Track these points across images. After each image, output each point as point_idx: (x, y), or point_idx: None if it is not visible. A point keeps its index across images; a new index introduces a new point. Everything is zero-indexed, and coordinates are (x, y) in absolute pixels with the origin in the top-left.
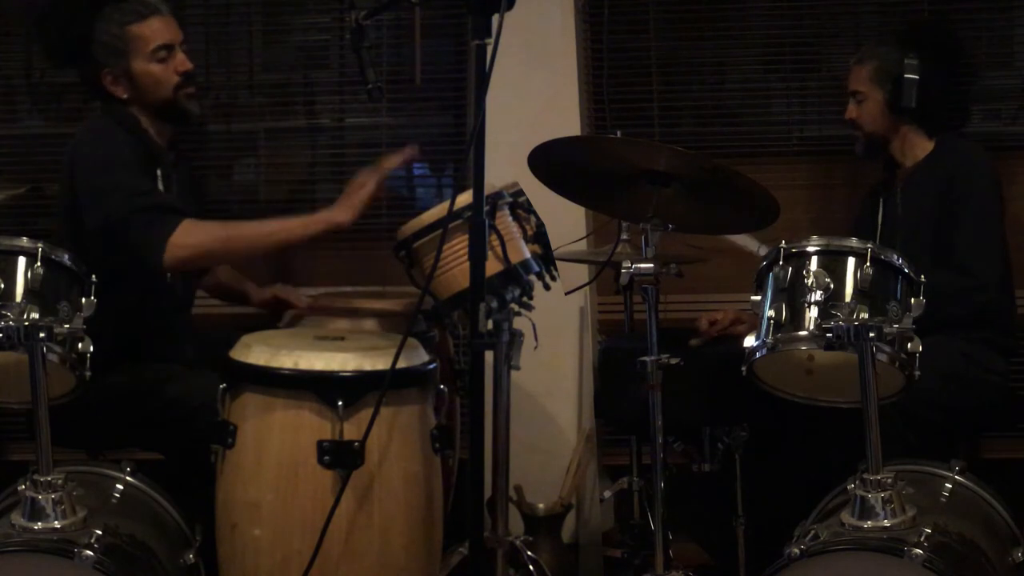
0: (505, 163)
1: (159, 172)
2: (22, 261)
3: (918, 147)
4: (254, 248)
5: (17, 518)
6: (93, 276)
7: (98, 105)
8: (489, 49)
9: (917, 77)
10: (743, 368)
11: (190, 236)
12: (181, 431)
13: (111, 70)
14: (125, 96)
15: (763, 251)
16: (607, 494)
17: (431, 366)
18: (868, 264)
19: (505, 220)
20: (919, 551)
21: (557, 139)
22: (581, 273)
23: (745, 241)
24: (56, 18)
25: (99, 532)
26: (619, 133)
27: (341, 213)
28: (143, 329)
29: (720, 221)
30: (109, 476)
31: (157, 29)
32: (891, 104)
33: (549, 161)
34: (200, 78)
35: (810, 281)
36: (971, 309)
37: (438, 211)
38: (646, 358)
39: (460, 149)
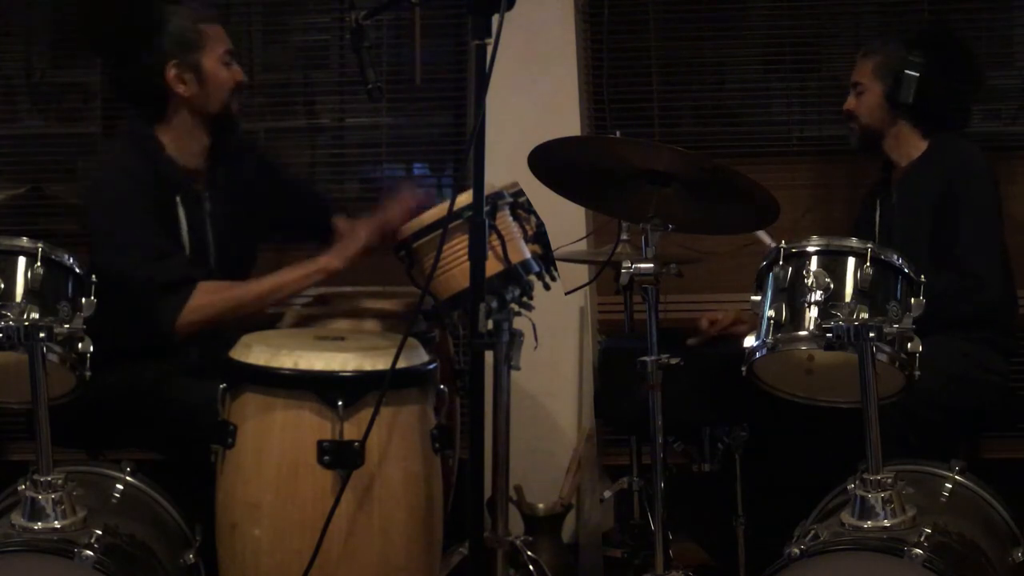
0: (505, 163)
1: (179, 199)
2: (22, 261)
3: (911, 145)
4: (261, 307)
5: (17, 518)
6: (93, 276)
7: (99, 106)
8: (489, 49)
9: (917, 74)
10: (743, 368)
11: (198, 313)
12: (181, 431)
13: (179, 63)
14: (187, 94)
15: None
16: (607, 494)
17: (431, 366)
18: (868, 264)
19: (505, 220)
20: (919, 551)
21: (557, 139)
22: (581, 273)
23: (763, 236)
24: (121, 6)
25: (99, 532)
26: (619, 133)
27: (335, 260)
28: (145, 329)
29: (720, 221)
30: (109, 476)
31: (223, 34)
32: (889, 98)
33: (549, 161)
34: None
35: (810, 281)
36: (973, 310)
37: (438, 211)
38: (646, 358)
39: (460, 149)
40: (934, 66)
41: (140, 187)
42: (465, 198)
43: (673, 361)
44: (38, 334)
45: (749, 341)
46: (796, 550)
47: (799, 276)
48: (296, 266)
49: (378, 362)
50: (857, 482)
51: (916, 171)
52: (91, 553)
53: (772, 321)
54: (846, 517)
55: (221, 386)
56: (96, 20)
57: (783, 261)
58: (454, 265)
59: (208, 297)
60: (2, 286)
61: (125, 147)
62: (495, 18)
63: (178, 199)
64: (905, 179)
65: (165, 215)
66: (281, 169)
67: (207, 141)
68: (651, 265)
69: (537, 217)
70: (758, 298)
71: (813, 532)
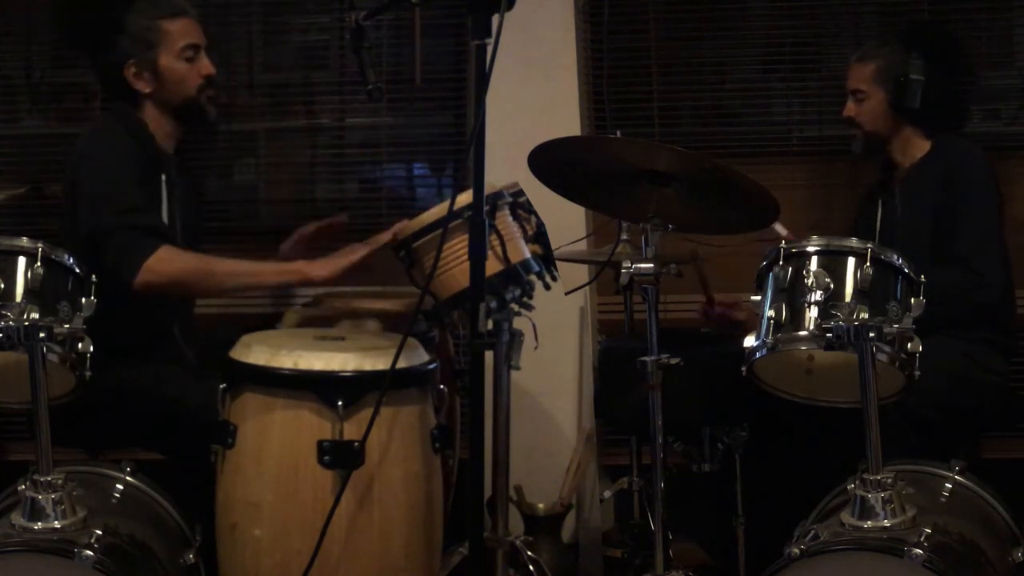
0: (505, 163)
1: (163, 177)
2: (22, 261)
3: (916, 147)
4: (225, 286)
5: (17, 518)
6: (93, 276)
7: (99, 106)
8: (489, 49)
9: (922, 78)
10: (743, 368)
11: (165, 264)
12: (181, 431)
13: (136, 62)
14: (146, 90)
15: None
16: (607, 494)
17: (431, 366)
18: (868, 264)
19: (505, 220)
20: (919, 551)
21: (557, 139)
22: (581, 273)
23: (779, 229)
24: (88, 3)
25: (99, 532)
26: (619, 133)
27: (319, 269)
28: (146, 329)
29: (720, 221)
30: (109, 476)
31: (186, 29)
32: (894, 104)
33: (549, 161)
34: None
35: (810, 281)
36: (974, 307)
37: (438, 211)
38: (646, 358)
39: (460, 149)
40: (934, 67)
41: (127, 154)
42: (465, 198)
43: (673, 361)
44: (38, 334)
45: (749, 341)
46: (796, 550)
47: (799, 276)
48: (274, 262)
49: (378, 362)
50: (857, 482)
51: (919, 171)
52: (91, 553)
53: (772, 321)
54: (846, 517)
55: (221, 386)
56: (66, 17)
57: (783, 261)
58: (454, 265)
59: (174, 255)
60: (2, 286)
61: (113, 122)
62: (495, 18)
63: (163, 179)
64: (908, 179)
65: (149, 191)
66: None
67: (176, 129)
68: (651, 265)
69: (537, 217)
70: (758, 298)
71: (813, 532)
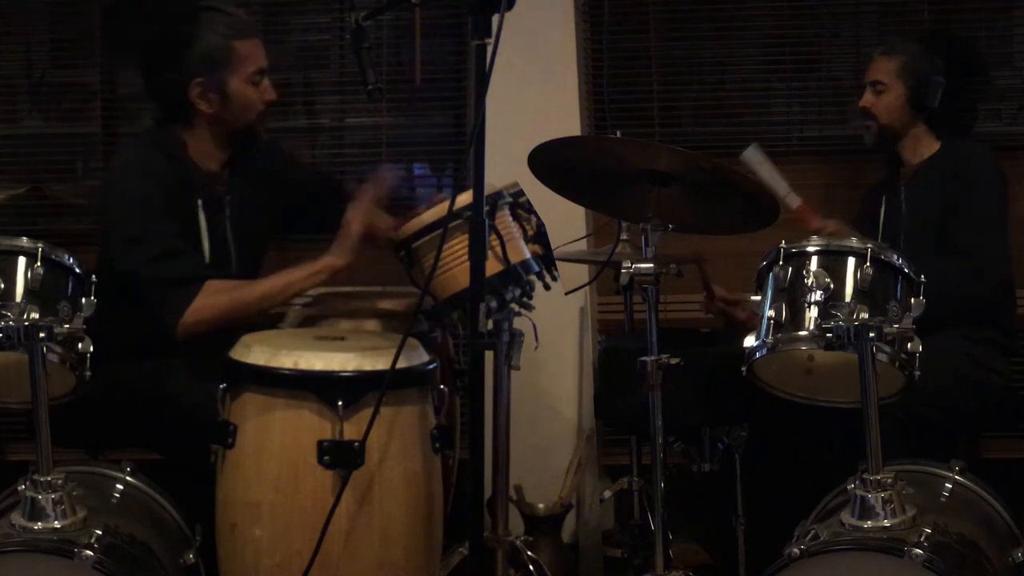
0: (505, 163)
1: (200, 202)
2: (22, 261)
3: (926, 146)
4: (265, 308)
5: (17, 518)
6: (93, 276)
7: (99, 106)
8: (489, 49)
9: (943, 79)
10: (743, 368)
11: (207, 307)
12: (181, 431)
13: (204, 81)
14: (208, 111)
15: (791, 198)
16: (607, 494)
17: (431, 366)
18: (868, 264)
19: (505, 220)
20: (919, 551)
21: (557, 139)
22: (581, 273)
23: (773, 179)
24: (154, 17)
25: (99, 532)
26: (619, 133)
27: (338, 258)
28: (149, 328)
29: (720, 221)
30: (109, 476)
31: (256, 50)
32: (912, 100)
33: (549, 161)
34: None
35: (810, 281)
36: (974, 298)
37: (438, 211)
38: (646, 358)
39: (460, 149)
40: (955, 70)
41: (161, 187)
42: (465, 198)
43: (673, 361)
44: (38, 334)
45: (749, 341)
46: (796, 550)
47: (799, 276)
48: (301, 266)
49: (378, 362)
50: (857, 482)
51: (927, 170)
52: (91, 553)
53: (772, 321)
54: (846, 517)
55: (221, 386)
56: (132, 27)
57: (783, 261)
58: (454, 265)
59: (213, 297)
60: (2, 286)
61: (148, 146)
62: (495, 18)
63: (200, 203)
64: (916, 178)
65: (185, 218)
66: (293, 157)
67: (228, 151)
68: (651, 265)
69: (537, 217)
70: (758, 298)
71: (813, 532)
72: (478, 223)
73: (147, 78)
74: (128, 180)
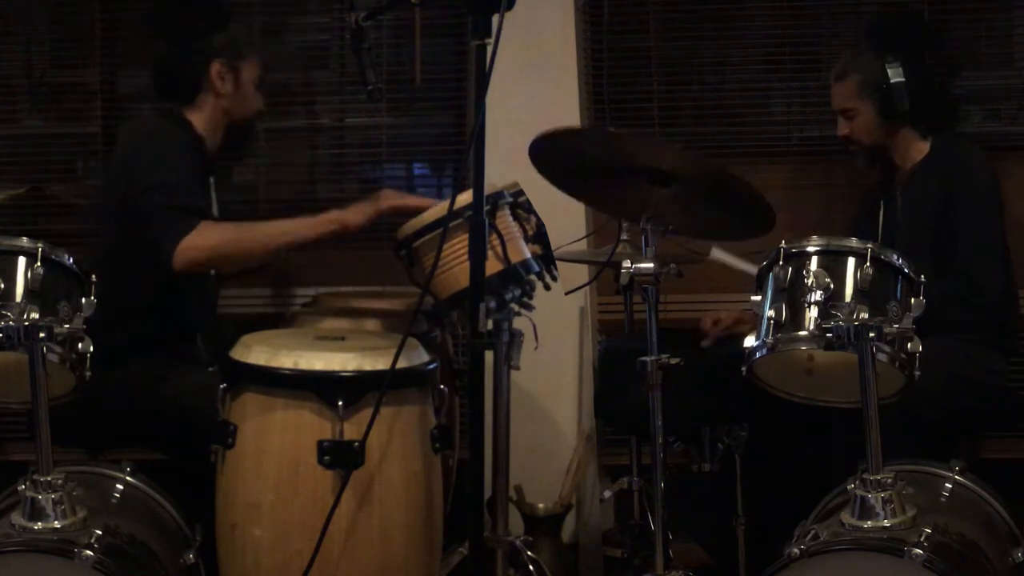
0: (505, 163)
1: (212, 180)
2: (22, 261)
3: (914, 148)
4: (265, 248)
5: (17, 518)
6: (93, 276)
7: (99, 106)
8: (489, 49)
9: (903, 79)
10: (743, 368)
11: (203, 238)
12: (181, 431)
13: (225, 61)
14: (221, 91)
15: (747, 268)
16: (607, 494)
17: (431, 366)
18: (868, 264)
19: (505, 220)
20: (919, 551)
21: (561, 128)
22: (581, 273)
23: (734, 260)
24: None
25: (99, 532)
26: (620, 130)
27: (353, 215)
28: (168, 327)
29: (718, 225)
30: (109, 476)
31: (259, 65)
32: (884, 112)
33: (550, 153)
34: None
35: (810, 281)
36: (972, 316)
37: (438, 210)
38: (646, 358)
39: (460, 149)
40: (911, 62)
41: (186, 149)
42: (465, 198)
43: (673, 361)
44: (38, 334)
45: (749, 341)
46: (796, 550)
47: (799, 276)
48: (309, 217)
49: (378, 362)
50: (857, 482)
51: (919, 174)
52: (91, 553)
53: (772, 321)
54: (846, 517)
55: (221, 386)
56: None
57: (783, 261)
58: (454, 264)
59: (210, 228)
60: (2, 286)
61: (164, 119)
62: (495, 18)
63: (211, 180)
64: (910, 182)
65: (203, 183)
66: None
67: (222, 140)
68: (651, 265)
69: (537, 217)
70: (758, 298)
71: (813, 532)
72: (478, 223)
73: (169, 47)
74: (160, 144)
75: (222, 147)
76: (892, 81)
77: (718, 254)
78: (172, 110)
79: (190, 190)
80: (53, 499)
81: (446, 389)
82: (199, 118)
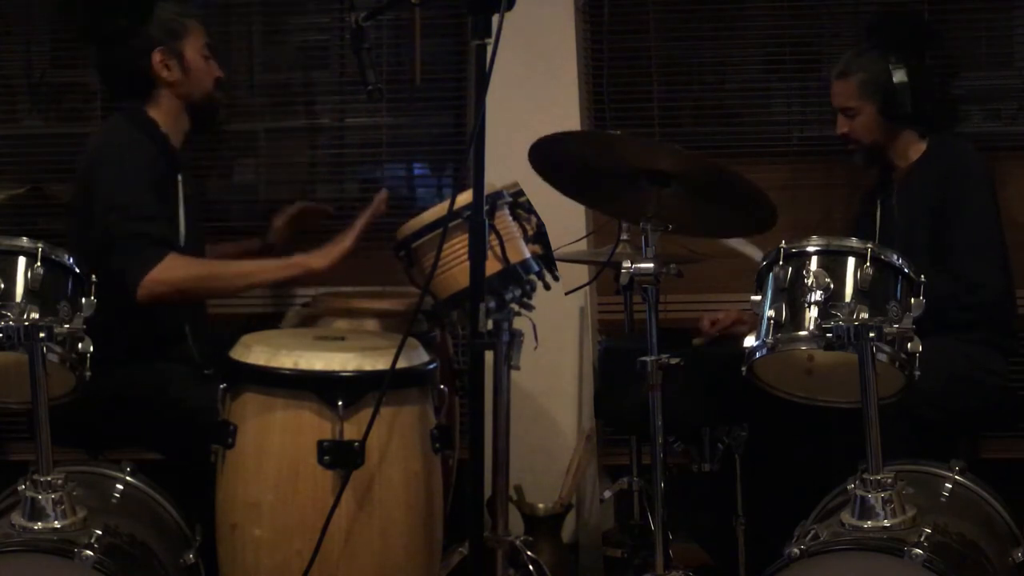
0: (505, 163)
1: (180, 178)
2: (22, 261)
3: (913, 149)
4: (230, 288)
5: (17, 518)
6: (93, 276)
7: (99, 106)
8: (489, 49)
9: (907, 80)
10: (743, 368)
11: (169, 273)
12: (181, 431)
13: (165, 49)
14: (170, 80)
15: (757, 253)
16: (607, 494)
17: (431, 366)
18: (868, 264)
19: (505, 220)
20: (919, 551)
21: (560, 132)
22: (581, 273)
23: (741, 245)
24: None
25: (99, 532)
26: (619, 133)
27: (318, 260)
28: (158, 329)
29: (718, 223)
30: (109, 476)
31: (201, 28)
32: (885, 113)
33: (550, 155)
34: None
35: (810, 281)
36: (970, 314)
37: (438, 210)
38: (646, 358)
39: (460, 149)
40: (913, 61)
41: (145, 159)
42: (465, 198)
43: (673, 361)
44: (38, 334)
45: (749, 341)
46: (796, 550)
47: (799, 276)
48: (275, 259)
49: (378, 362)
50: (857, 482)
51: (916, 173)
52: (91, 553)
53: (772, 321)
54: (846, 517)
55: (221, 386)
56: (91, 5)
57: (783, 261)
58: (453, 265)
59: (177, 264)
60: (2, 286)
61: (126, 123)
62: (495, 18)
63: (179, 178)
64: (907, 181)
65: (165, 192)
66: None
67: (187, 127)
68: (651, 265)
69: (537, 217)
70: (758, 298)
71: (813, 532)
72: (478, 223)
73: (108, 54)
74: (117, 154)
75: (193, 130)
76: (895, 82)
77: (730, 240)
78: (136, 111)
79: (153, 212)
80: (53, 499)
81: (446, 389)
82: (159, 112)
